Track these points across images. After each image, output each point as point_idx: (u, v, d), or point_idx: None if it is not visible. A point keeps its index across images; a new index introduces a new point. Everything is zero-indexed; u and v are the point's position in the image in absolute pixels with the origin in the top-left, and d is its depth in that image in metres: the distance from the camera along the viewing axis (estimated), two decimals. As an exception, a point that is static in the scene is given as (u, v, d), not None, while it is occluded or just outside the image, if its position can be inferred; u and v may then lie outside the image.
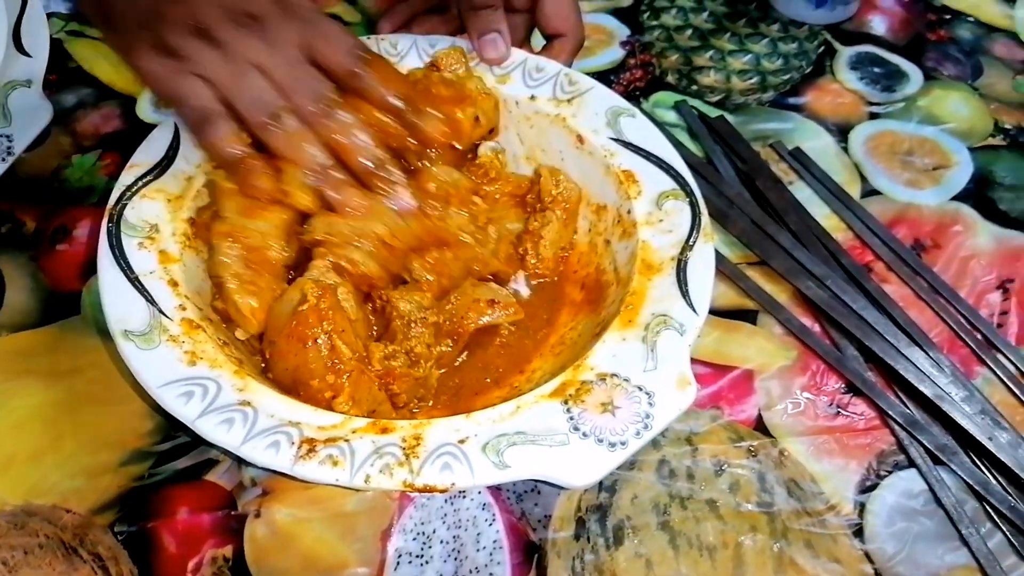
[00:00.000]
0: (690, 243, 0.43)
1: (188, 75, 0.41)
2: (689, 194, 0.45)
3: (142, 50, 0.41)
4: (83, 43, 0.64)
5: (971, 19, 0.70)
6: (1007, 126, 0.61)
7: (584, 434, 0.36)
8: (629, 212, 0.46)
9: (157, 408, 0.42)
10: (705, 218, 0.44)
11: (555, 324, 0.47)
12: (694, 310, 0.40)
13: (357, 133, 0.42)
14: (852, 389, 0.46)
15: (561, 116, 0.50)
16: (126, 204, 0.43)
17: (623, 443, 0.35)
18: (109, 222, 0.42)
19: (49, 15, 0.59)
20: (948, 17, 0.70)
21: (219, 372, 0.37)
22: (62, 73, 0.61)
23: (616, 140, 0.48)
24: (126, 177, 0.44)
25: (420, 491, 0.34)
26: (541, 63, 0.52)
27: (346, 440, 0.35)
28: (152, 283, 0.40)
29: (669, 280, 0.42)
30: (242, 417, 0.35)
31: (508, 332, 0.45)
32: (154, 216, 0.43)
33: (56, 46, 0.60)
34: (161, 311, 0.39)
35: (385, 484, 0.34)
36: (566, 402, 0.37)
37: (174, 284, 0.41)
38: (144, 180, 0.44)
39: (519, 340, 0.46)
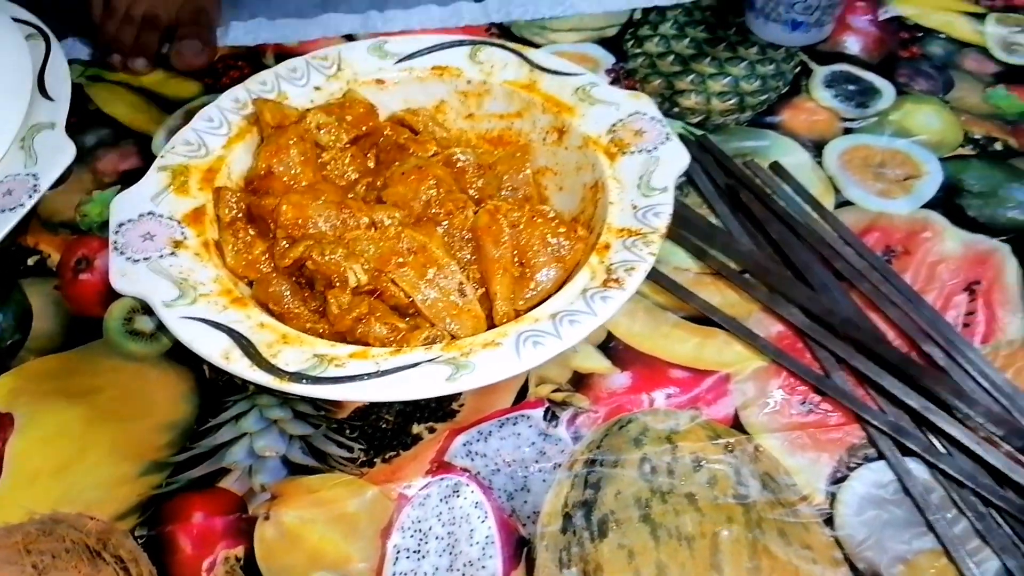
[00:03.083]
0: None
1: None
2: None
3: None
4: (101, 87, 0.69)
5: (943, 36, 0.74)
6: (976, 136, 0.64)
7: None
8: None
9: (172, 423, 0.46)
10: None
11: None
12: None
13: None
14: (824, 387, 0.49)
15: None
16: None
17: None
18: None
19: (70, 61, 0.63)
20: (920, 35, 0.74)
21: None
22: (82, 115, 0.66)
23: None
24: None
25: None
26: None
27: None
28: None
29: None
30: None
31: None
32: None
33: (77, 90, 0.65)
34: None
35: None
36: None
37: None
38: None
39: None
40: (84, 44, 0.72)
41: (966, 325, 0.52)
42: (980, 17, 0.75)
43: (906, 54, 0.72)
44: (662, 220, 0.46)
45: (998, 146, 0.64)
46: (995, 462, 0.45)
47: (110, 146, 0.64)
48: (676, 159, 0.49)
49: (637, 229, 0.46)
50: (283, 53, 0.71)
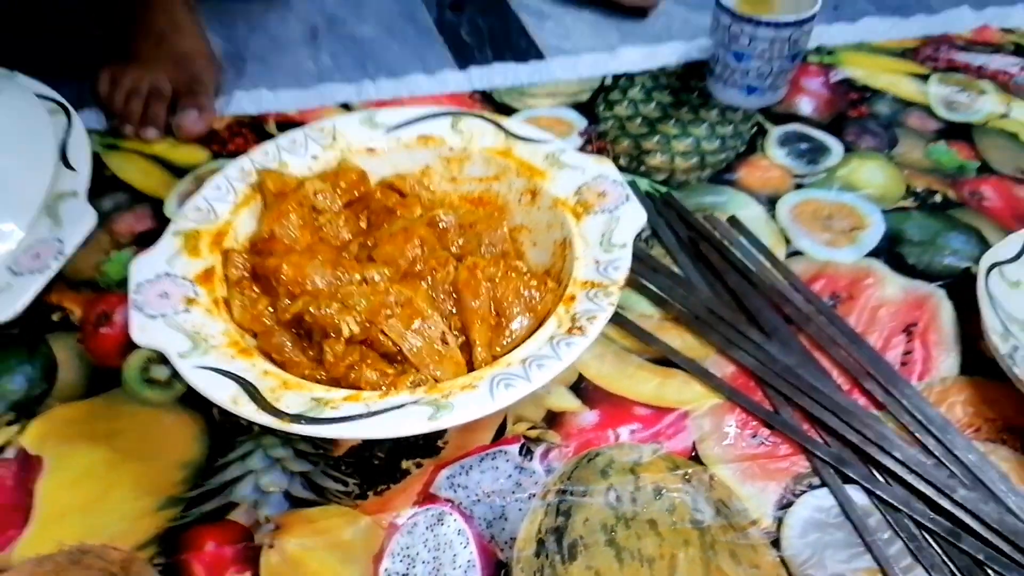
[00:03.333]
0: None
1: None
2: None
3: None
4: (117, 154, 0.75)
5: (889, 96, 0.80)
6: (918, 189, 0.70)
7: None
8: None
9: (186, 462, 0.52)
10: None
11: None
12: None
13: None
14: (774, 422, 0.54)
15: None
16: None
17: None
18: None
19: (87, 131, 0.69)
20: (868, 95, 0.80)
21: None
22: (99, 181, 0.71)
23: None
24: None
25: None
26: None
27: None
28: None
29: None
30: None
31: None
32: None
33: (94, 157, 0.70)
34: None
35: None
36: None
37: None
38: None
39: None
40: (100, 114, 0.78)
41: (904, 364, 0.58)
42: (924, 78, 0.82)
43: (854, 113, 0.78)
44: (621, 273, 0.52)
45: (938, 198, 0.70)
46: (926, 491, 0.50)
47: (125, 210, 0.69)
48: (634, 218, 0.55)
49: (599, 282, 0.52)
50: (284, 121, 0.77)
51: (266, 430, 0.53)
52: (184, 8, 0.79)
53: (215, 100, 0.78)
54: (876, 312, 0.61)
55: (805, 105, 0.79)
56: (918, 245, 0.66)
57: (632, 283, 0.62)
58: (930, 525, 0.49)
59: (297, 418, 0.45)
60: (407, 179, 0.62)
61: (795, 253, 0.65)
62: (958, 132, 0.76)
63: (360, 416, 0.45)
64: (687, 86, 0.81)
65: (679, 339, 0.59)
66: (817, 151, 0.74)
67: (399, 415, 0.45)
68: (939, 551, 0.48)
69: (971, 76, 0.83)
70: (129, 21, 0.77)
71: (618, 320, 0.59)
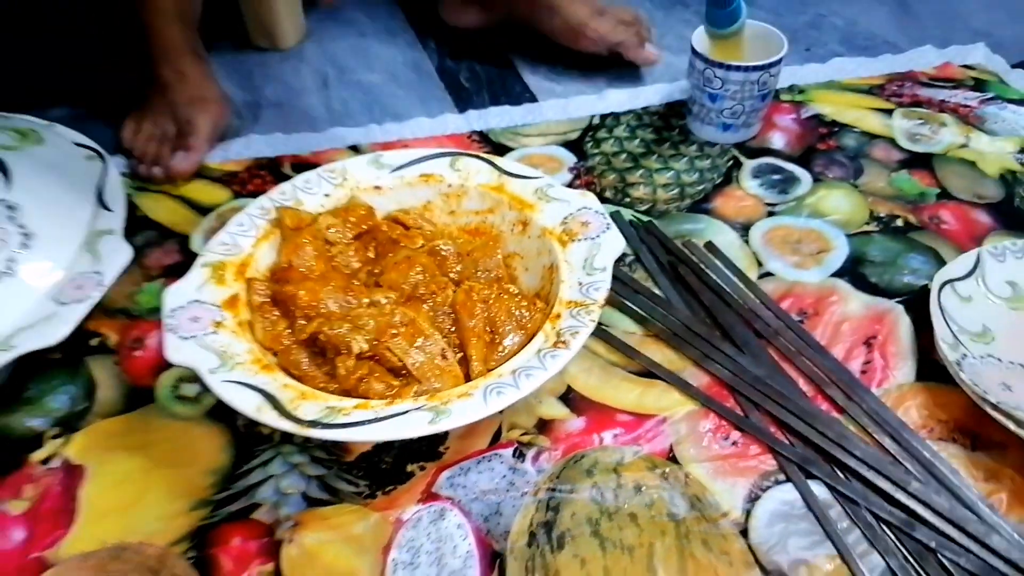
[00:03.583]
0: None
1: None
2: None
3: None
4: (146, 195, 0.81)
5: (856, 130, 0.87)
6: (881, 215, 0.76)
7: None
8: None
9: (214, 468, 0.57)
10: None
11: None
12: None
13: None
14: (744, 425, 0.60)
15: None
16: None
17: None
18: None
19: (121, 175, 0.76)
20: (836, 129, 0.87)
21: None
22: (131, 220, 0.78)
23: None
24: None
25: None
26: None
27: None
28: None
29: None
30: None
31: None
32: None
33: (127, 199, 0.77)
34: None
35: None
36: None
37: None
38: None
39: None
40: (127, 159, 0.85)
41: (864, 372, 0.63)
42: (888, 112, 0.89)
43: (823, 147, 0.85)
44: (601, 294, 0.58)
45: (899, 223, 0.76)
46: (883, 485, 0.56)
47: (155, 245, 0.76)
48: (614, 245, 0.61)
49: (582, 301, 0.58)
50: (298, 163, 0.84)
51: (285, 438, 0.59)
52: (190, 58, 0.86)
53: (207, 141, 0.84)
54: (839, 327, 0.66)
55: (777, 140, 0.86)
56: (879, 265, 0.71)
57: (616, 303, 0.68)
58: (886, 516, 0.54)
59: (313, 424, 0.51)
60: (410, 213, 0.69)
61: (766, 274, 0.71)
62: (920, 162, 0.83)
63: (369, 421, 0.51)
64: (668, 124, 0.88)
65: (659, 353, 0.65)
66: (788, 182, 0.80)
67: (403, 420, 0.51)
68: (893, 539, 0.54)
69: (933, 110, 0.89)
70: (146, 73, 0.85)
71: (604, 336, 0.65)
